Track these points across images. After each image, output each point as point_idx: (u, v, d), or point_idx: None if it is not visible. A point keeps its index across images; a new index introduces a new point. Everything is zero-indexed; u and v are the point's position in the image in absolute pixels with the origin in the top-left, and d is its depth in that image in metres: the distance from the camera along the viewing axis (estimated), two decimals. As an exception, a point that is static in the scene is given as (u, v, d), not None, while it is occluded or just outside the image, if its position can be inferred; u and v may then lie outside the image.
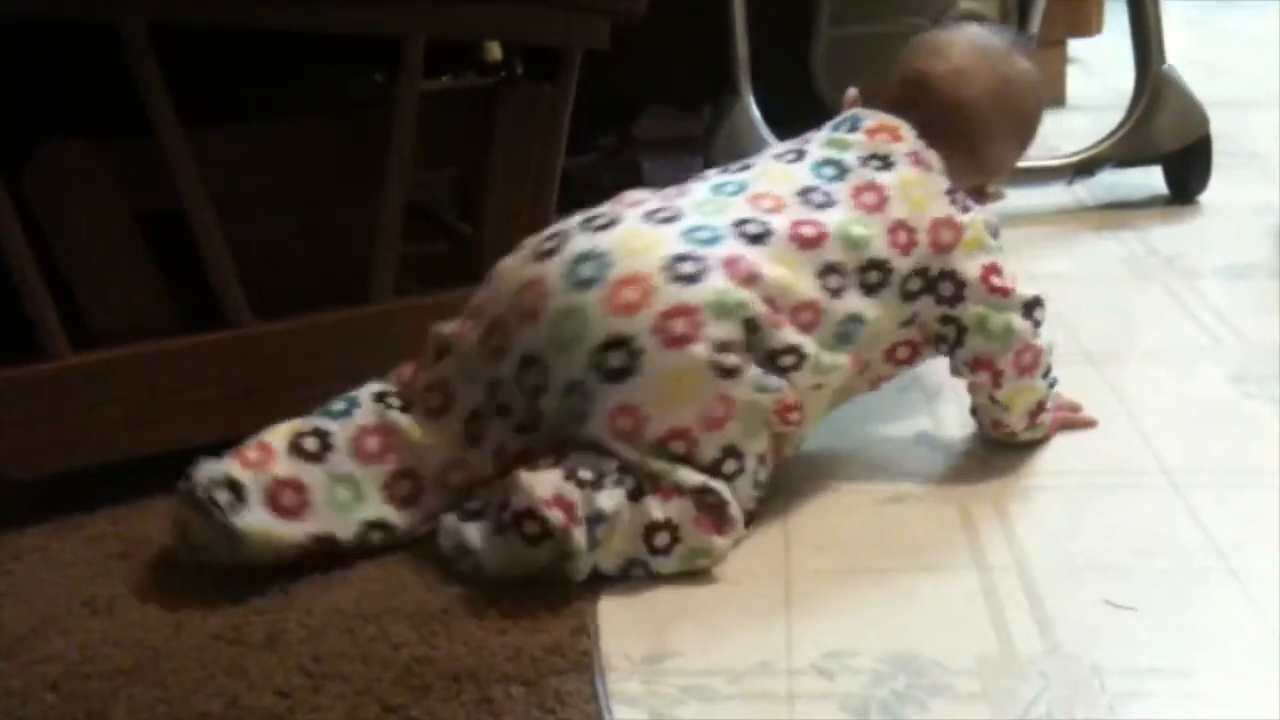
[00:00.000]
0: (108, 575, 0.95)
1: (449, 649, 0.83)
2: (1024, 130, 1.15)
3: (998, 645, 0.83)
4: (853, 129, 1.06)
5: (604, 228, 0.97)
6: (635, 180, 1.75)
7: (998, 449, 1.09)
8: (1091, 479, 1.05)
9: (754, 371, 0.93)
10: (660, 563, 0.91)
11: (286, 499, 0.92)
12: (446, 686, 0.80)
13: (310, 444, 0.94)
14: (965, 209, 1.04)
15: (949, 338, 1.02)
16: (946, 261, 1.01)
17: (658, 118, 2.07)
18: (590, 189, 1.59)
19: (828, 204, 1.00)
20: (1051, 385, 1.06)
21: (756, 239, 0.96)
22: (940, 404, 1.19)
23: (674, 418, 0.91)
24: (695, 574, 0.92)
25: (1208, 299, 1.45)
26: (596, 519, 0.88)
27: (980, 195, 1.10)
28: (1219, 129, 1.82)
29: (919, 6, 2.21)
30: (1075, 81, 2.60)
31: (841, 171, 1.03)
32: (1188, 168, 1.83)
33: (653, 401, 0.91)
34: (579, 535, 0.87)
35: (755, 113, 1.76)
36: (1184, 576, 0.90)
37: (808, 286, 0.96)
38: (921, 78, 1.10)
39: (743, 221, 0.97)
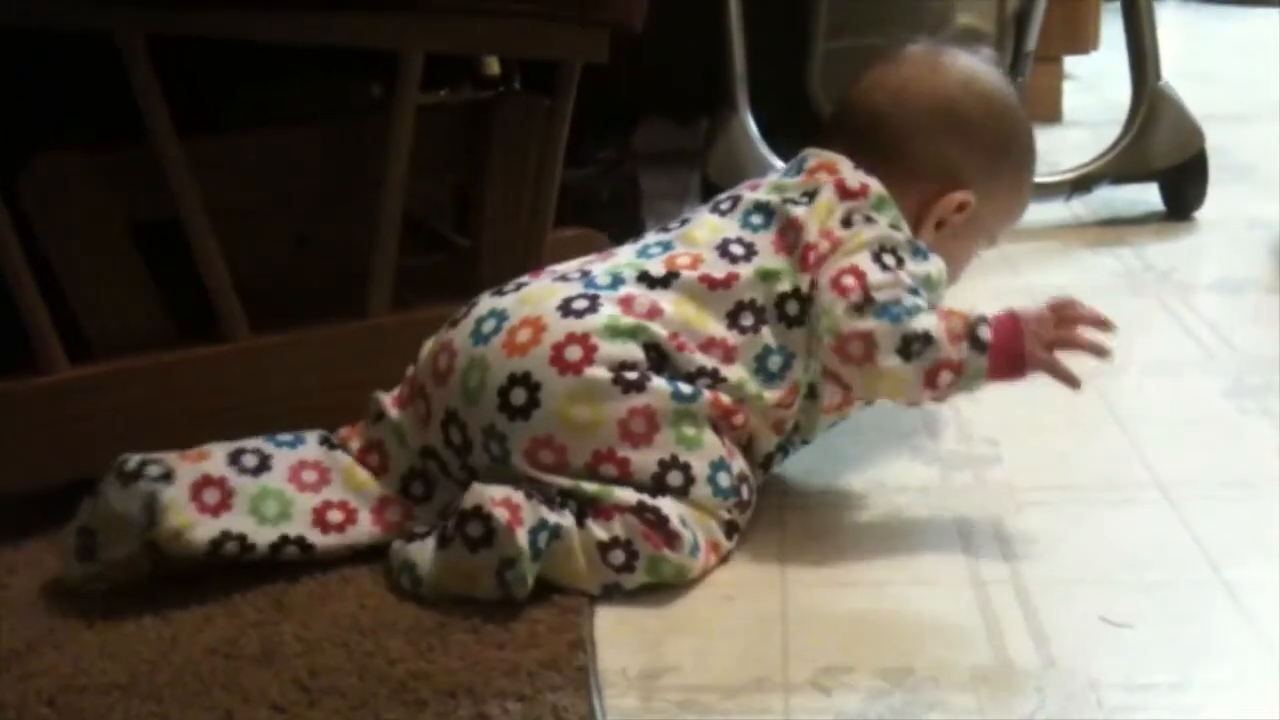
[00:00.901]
0: (103, 589, 0.95)
1: (445, 664, 0.83)
2: (954, 121, 1.04)
3: (993, 660, 0.83)
4: (798, 170, 1.05)
5: (509, 291, 1.00)
6: (633, 192, 1.76)
7: (993, 464, 1.09)
8: (1086, 493, 1.05)
9: (660, 380, 0.93)
10: (628, 579, 0.91)
11: (209, 496, 0.92)
12: (442, 702, 0.79)
13: (249, 460, 0.95)
14: (865, 221, 0.99)
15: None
16: (807, 281, 0.98)
17: (656, 130, 2.08)
18: (588, 201, 1.60)
19: (746, 256, 0.99)
20: (923, 353, 0.92)
21: (658, 283, 0.97)
22: (936, 418, 1.19)
23: (592, 441, 0.92)
24: (690, 586, 0.93)
25: (1202, 313, 1.45)
26: (541, 527, 0.88)
27: (940, 222, 1.04)
28: (1214, 143, 1.83)
29: (914, 21, 2.23)
30: (1072, 98, 2.61)
31: (768, 218, 1.01)
32: (1184, 184, 1.83)
33: (564, 430, 0.92)
34: (521, 536, 0.87)
35: (752, 126, 1.77)
36: (1179, 590, 0.90)
37: (714, 325, 0.96)
38: (839, 101, 1.10)
39: (648, 272, 0.98)
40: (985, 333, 0.94)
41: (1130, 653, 0.83)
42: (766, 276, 0.98)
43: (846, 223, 1.00)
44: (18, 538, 1.02)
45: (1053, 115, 2.58)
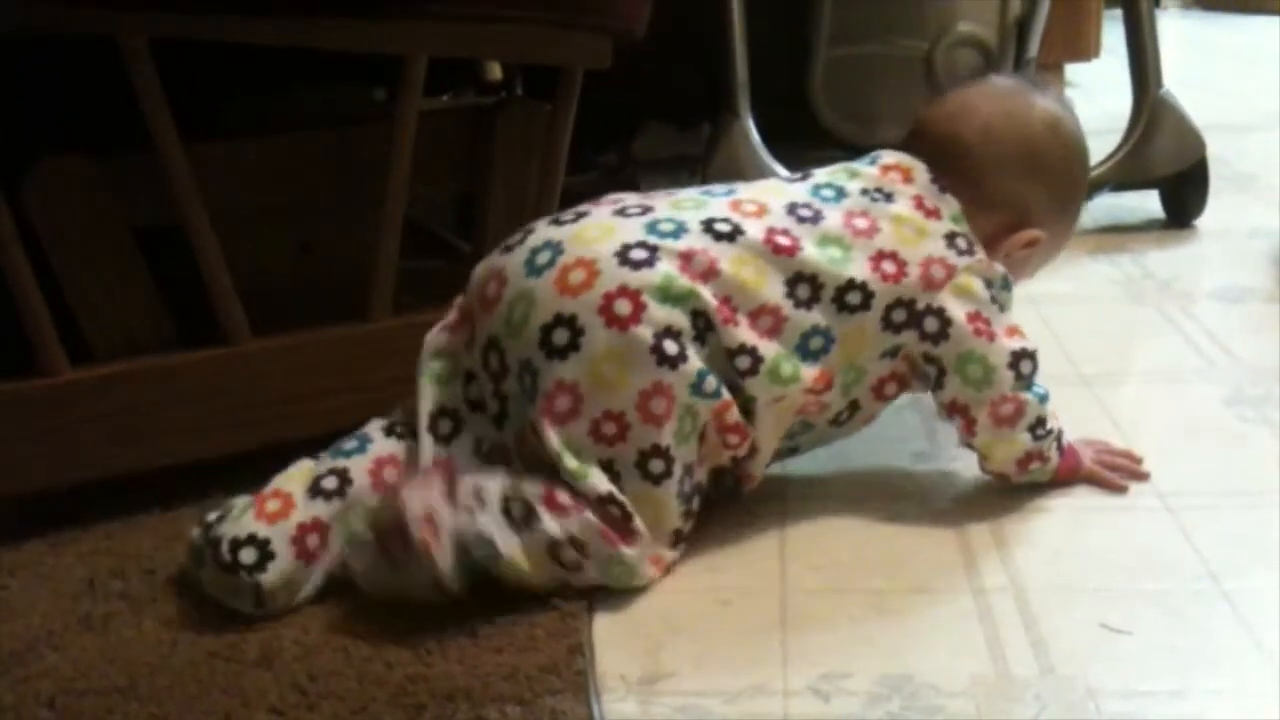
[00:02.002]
0: (103, 591, 0.95)
1: (444, 668, 0.83)
2: (1037, 164, 1.08)
3: (993, 667, 0.83)
4: (871, 163, 1.07)
5: (567, 222, 0.99)
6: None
7: (993, 470, 1.09)
8: (1086, 500, 1.05)
9: (696, 365, 0.93)
10: (578, 577, 0.91)
11: (310, 542, 0.92)
12: (441, 706, 0.79)
13: (329, 483, 0.94)
14: (964, 253, 1.02)
15: (930, 376, 1.02)
16: (934, 298, 1.00)
17: (657, 136, 2.08)
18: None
19: (814, 220, 1.00)
20: (1042, 439, 1.02)
21: (723, 237, 0.97)
22: (937, 425, 1.19)
23: (610, 399, 0.91)
24: (689, 591, 0.93)
25: (1202, 322, 1.45)
26: (475, 542, 0.87)
27: (1007, 254, 1.07)
28: (1215, 152, 1.83)
29: (917, 28, 2.23)
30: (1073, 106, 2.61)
31: (839, 195, 1.03)
32: (1184, 192, 1.84)
33: (590, 380, 0.91)
34: (439, 558, 0.86)
35: (753, 132, 1.77)
36: (1178, 598, 0.90)
37: (771, 292, 0.96)
38: (920, 119, 1.11)
39: (713, 220, 0.98)
40: (1062, 438, 1.05)
41: (1129, 660, 0.83)
42: (829, 258, 0.98)
43: (950, 240, 1.02)
44: (18, 539, 1.02)
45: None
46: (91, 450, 1.03)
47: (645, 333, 0.92)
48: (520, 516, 0.89)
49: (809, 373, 0.98)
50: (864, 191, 1.03)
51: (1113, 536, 0.99)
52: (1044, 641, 0.85)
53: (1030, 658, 0.84)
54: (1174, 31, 3.88)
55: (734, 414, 0.95)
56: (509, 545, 0.88)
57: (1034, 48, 2.34)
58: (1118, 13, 1.90)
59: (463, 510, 0.88)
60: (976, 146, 1.07)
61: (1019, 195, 1.07)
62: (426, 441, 0.97)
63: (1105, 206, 1.90)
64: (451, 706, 0.79)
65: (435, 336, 1.00)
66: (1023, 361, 1.01)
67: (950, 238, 1.02)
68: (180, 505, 1.06)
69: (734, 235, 0.97)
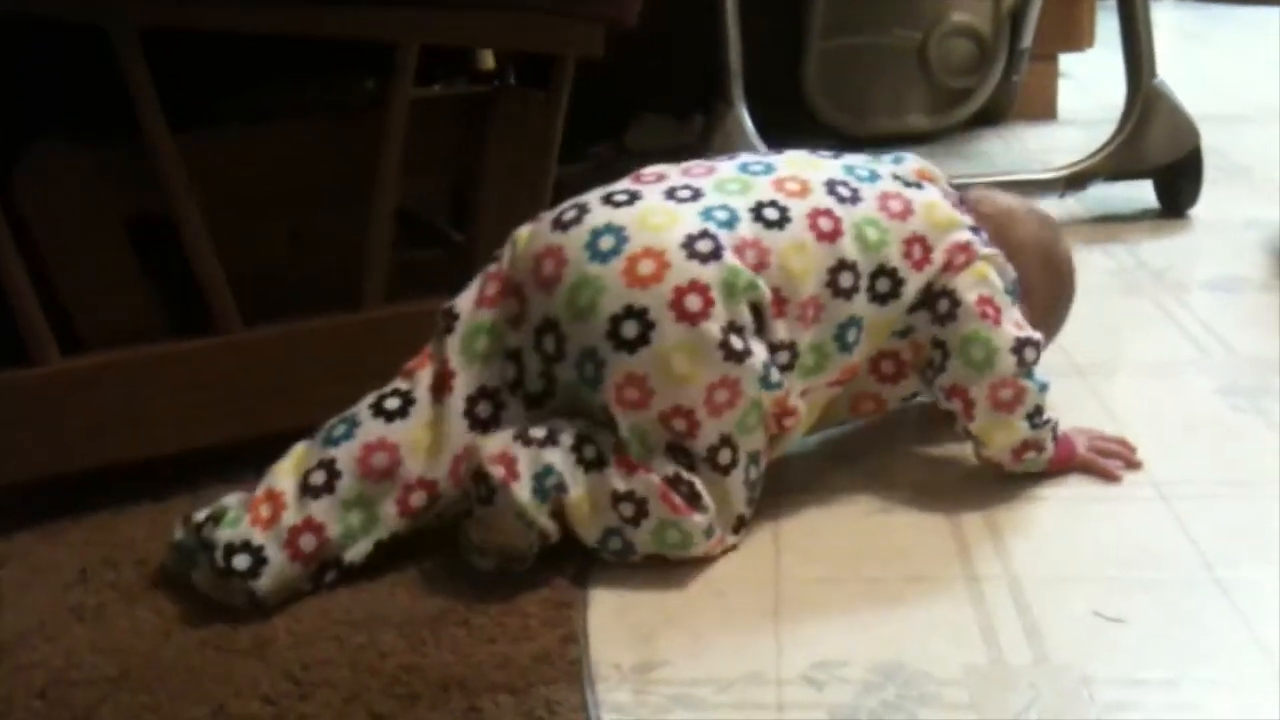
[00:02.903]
0: (94, 582, 0.95)
1: (437, 657, 0.83)
2: (1051, 263, 1.15)
3: (987, 655, 0.83)
4: (896, 162, 1.08)
5: (624, 203, 0.98)
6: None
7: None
8: (1080, 490, 1.05)
9: (761, 359, 0.94)
10: (632, 532, 0.92)
11: (305, 543, 0.91)
12: (435, 695, 0.79)
13: (317, 478, 0.94)
14: (987, 244, 1.04)
15: (934, 361, 1.02)
16: (950, 280, 1.01)
17: (651, 127, 2.07)
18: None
19: (853, 199, 1.01)
20: (1039, 427, 1.02)
21: (773, 224, 0.97)
22: (930, 416, 1.18)
23: (679, 394, 0.92)
24: (683, 580, 0.93)
25: (1196, 312, 1.45)
26: (545, 473, 0.89)
27: None
28: (1209, 143, 1.83)
29: (910, 19, 2.23)
30: (1066, 96, 2.61)
31: (873, 176, 1.04)
32: (1178, 182, 1.84)
33: (660, 374, 0.91)
34: (520, 490, 0.88)
35: (748, 122, 1.76)
36: (1172, 588, 0.90)
37: (815, 282, 0.97)
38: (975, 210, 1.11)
39: (761, 205, 0.98)
40: (1057, 428, 1.05)
41: (1123, 649, 0.83)
42: (867, 244, 0.99)
43: (975, 232, 1.04)
44: (8, 530, 1.02)
45: (1048, 113, 2.58)
46: (83, 440, 1.03)
47: (714, 328, 0.92)
48: (592, 459, 0.91)
49: (840, 362, 0.99)
50: (895, 177, 1.05)
51: (1107, 526, 0.99)
52: (1038, 630, 0.85)
53: (1024, 646, 0.84)
54: (1168, 22, 3.87)
55: (793, 398, 0.97)
56: (576, 482, 0.90)
57: (1028, 38, 2.34)
58: (1111, 3, 1.90)
59: (535, 445, 0.90)
60: (1030, 261, 1.10)
61: (1026, 274, 1.08)
62: (459, 426, 0.95)
63: (1099, 197, 1.90)
64: (445, 696, 0.79)
65: (473, 311, 0.98)
66: (1026, 349, 1.01)
67: (975, 230, 1.04)
68: (171, 495, 1.06)
69: (782, 222, 0.97)
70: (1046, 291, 1.11)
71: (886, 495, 1.05)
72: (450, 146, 1.21)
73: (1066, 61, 2.65)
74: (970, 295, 1.01)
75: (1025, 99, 2.52)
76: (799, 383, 0.97)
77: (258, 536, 0.90)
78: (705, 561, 0.95)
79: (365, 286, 1.11)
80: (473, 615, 0.87)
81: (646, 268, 0.93)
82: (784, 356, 0.96)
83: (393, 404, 0.97)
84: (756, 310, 0.94)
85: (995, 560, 0.94)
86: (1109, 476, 1.06)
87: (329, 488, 0.93)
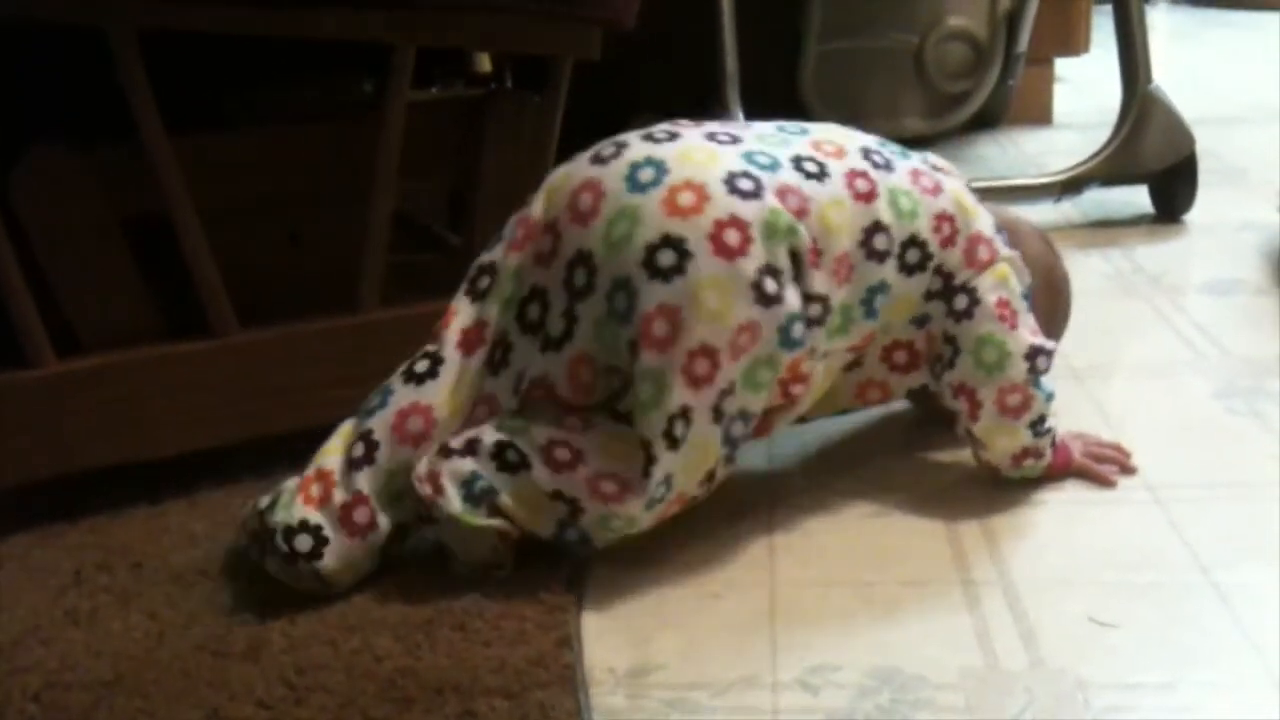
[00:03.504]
0: (89, 585, 0.94)
1: (432, 661, 0.83)
2: (1053, 282, 1.15)
3: (982, 659, 0.83)
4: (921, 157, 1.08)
5: (664, 140, 0.97)
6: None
7: (983, 464, 1.09)
8: (1075, 494, 1.05)
9: (792, 309, 0.92)
10: (579, 524, 0.91)
11: (359, 516, 0.92)
12: (429, 699, 0.79)
13: (358, 450, 0.94)
14: (1008, 245, 1.04)
15: (944, 357, 1.02)
16: (972, 277, 1.01)
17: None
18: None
19: (886, 167, 1.01)
20: (1041, 436, 1.02)
21: (813, 176, 0.96)
22: (926, 419, 1.19)
23: (708, 331, 0.89)
24: (679, 583, 0.93)
25: (1192, 315, 1.46)
26: (471, 480, 0.90)
27: None
28: (1204, 146, 1.83)
29: (907, 23, 2.23)
30: (1062, 100, 2.61)
31: (903, 153, 1.04)
32: (1174, 186, 1.84)
33: (693, 307, 0.89)
34: (447, 503, 0.89)
35: (744, 126, 1.76)
36: (1168, 591, 0.90)
37: (850, 240, 0.96)
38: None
39: (801, 159, 0.97)
40: (1056, 436, 1.05)
41: (1118, 653, 0.83)
42: (900, 212, 0.98)
43: (998, 230, 1.04)
44: (3, 532, 1.02)
45: (1043, 117, 2.58)
46: (78, 442, 1.02)
47: (749, 267, 0.90)
48: (515, 461, 0.90)
49: (862, 329, 0.98)
50: (923, 159, 1.05)
51: (1102, 529, 0.99)
52: (1033, 634, 0.85)
53: (1020, 650, 0.84)
54: (1162, 25, 3.88)
55: (808, 364, 0.95)
56: (502, 485, 0.90)
57: (1024, 42, 2.34)
58: (1107, 7, 1.90)
59: (455, 456, 0.90)
60: (1020, 236, 1.11)
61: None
62: (479, 368, 0.95)
63: (1095, 201, 1.90)
64: (440, 700, 0.79)
65: (504, 258, 0.97)
66: (1039, 357, 1.01)
67: (998, 228, 1.04)
68: (167, 498, 1.06)
69: (822, 176, 0.97)
70: (1046, 310, 1.11)
71: (882, 499, 1.05)
72: (447, 149, 1.21)
73: (1062, 66, 2.66)
74: (991, 296, 1.00)
75: (1021, 103, 2.53)
76: (823, 342, 0.96)
77: (314, 516, 0.91)
78: (700, 565, 0.95)
79: (362, 289, 1.11)
80: (468, 619, 0.87)
81: (687, 199, 0.91)
82: (816, 310, 0.94)
83: (422, 366, 0.96)
84: (795, 257, 0.93)
85: (991, 564, 0.94)
86: (1104, 482, 1.06)
87: (369, 459, 0.93)
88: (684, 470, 0.92)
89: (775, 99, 1.94)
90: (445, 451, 0.91)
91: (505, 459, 0.91)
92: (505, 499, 0.90)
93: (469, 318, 0.97)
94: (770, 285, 0.91)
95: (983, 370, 1.00)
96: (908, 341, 1.03)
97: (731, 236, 0.90)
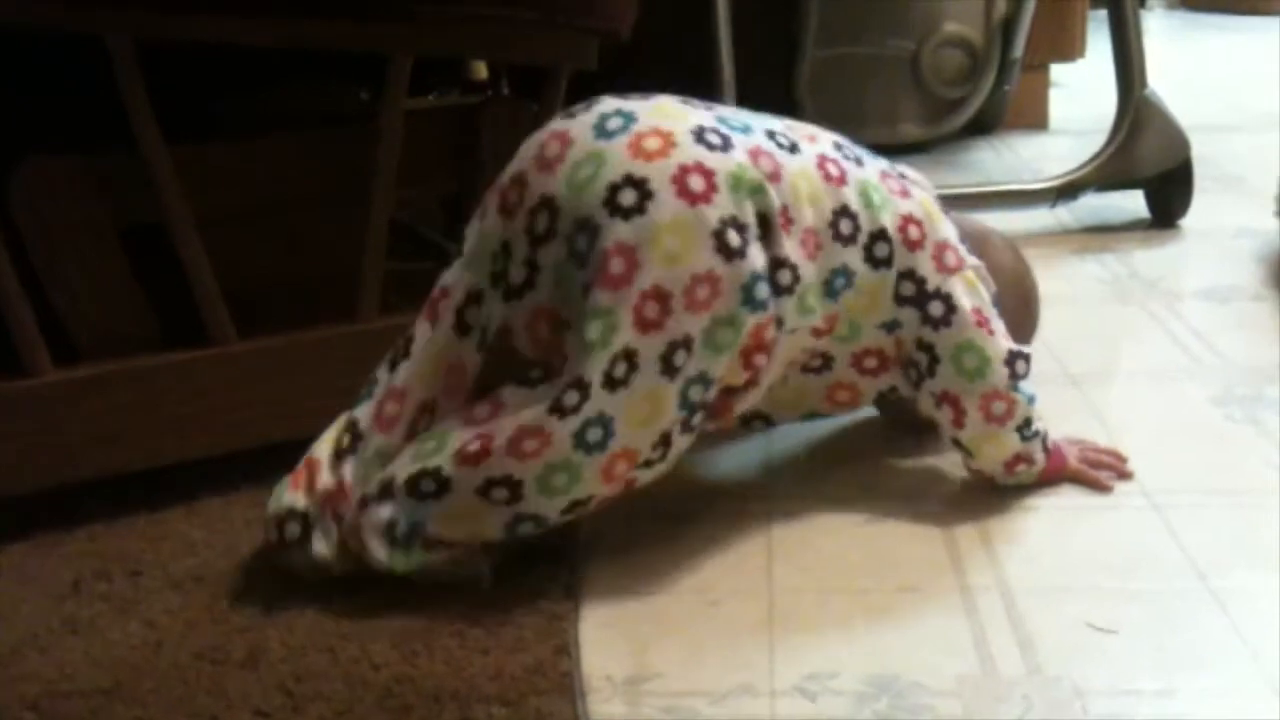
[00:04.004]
0: (87, 593, 0.94)
1: (430, 669, 0.83)
2: (1022, 289, 1.15)
3: (979, 666, 0.83)
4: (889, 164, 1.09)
5: (637, 99, 0.97)
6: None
7: (980, 470, 1.09)
8: (1072, 499, 1.05)
9: (755, 267, 0.91)
10: (524, 505, 0.90)
11: (341, 506, 0.93)
12: (427, 707, 0.79)
13: (346, 440, 0.95)
14: (972, 254, 1.04)
15: (920, 365, 1.02)
16: (945, 283, 1.01)
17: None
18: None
19: (857, 161, 1.01)
20: (1029, 439, 1.03)
21: (784, 147, 0.97)
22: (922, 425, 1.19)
23: (663, 274, 0.88)
24: (676, 590, 0.93)
25: (1189, 321, 1.46)
26: (390, 526, 0.90)
27: None
28: (1199, 152, 1.84)
29: (903, 29, 2.24)
30: (1058, 105, 2.62)
31: (874, 155, 1.05)
32: (1169, 192, 1.84)
33: (650, 247, 0.88)
34: (369, 555, 0.90)
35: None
36: (1164, 597, 0.90)
37: (819, 217, 0.96)
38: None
39: (774, 132, 0.98)
40: (1049, 442, 1.05)
41: (1116, 659, 0.83)
42: (868, 202, 0.99)
43: (961, 239, 1.04)
44: (2, 541, 1.02)
45: (1039, 123, 2.59)
46: (76, 451, 1.03)
47: (712, 215, 0.90)
48: (432, 490, 0.90)
49: (825, 310, 0.98)
50: (891, 165, 1.06)
51: (1099, 535, 0.99)
52: (1031, 641, 0.85)
53: (1017, 657, 0.84)
54: (1158, 30, 3.89)
55: (772, 331, 0.94)
56: (425, 517, 0.90)
57: (1020, 47, 2.35)
58: (1103, 13, 1.91)
59: (372, 506, 0.91)
60: (990, 246, 1.11)
61: (997, 300, 1.07)
62: (449, 338, 0.95)
63: (1091, 207, 1.90)
64: (438, 707, 0.79)
65: (479, 222, 0.97)
66: (1018, 362, 1.01)
67: (961, 239, 1.04)
68: (165, 507, 1.06)
69: (793, 149, 0.97)
70: (1015, 319, 1.10)
71: (879, 506, 1.05)
72: (443, 157, 1.21)
73: (1058, 71, 2.66)
74: (966, 302, 1.01)
75: (1017, 109, 2.53)
76: (791, 314, 0.95)
77: (301, 502, 0.92)
78: (698, 573, 0.95)
79: (360, 298, 1.11)
80: (466, 626, 0.87)
81: (653, 144, 0.91)
82: (786, 277, 0.93)
83: (399, 349, 0.97)
84: (764, 219, 0.92)
85: (988, 571, 0.94)
86: (1100, 487, 1.06)
87: (353, 449, 0.94)
88: (628, 418, 0.89)
89: (771, 105, 1.94)
90: (363, 503, 0.91)
91: (421, 490, 0.90)
92: (435, 526, 0.90)
93: (436, 288, 0.97)
94: (734, 238, 0.90)
95: (964, 377, 1.00)
96: (878, 349, 1.03)
97: (696, 182, 0.90)
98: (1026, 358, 1.02)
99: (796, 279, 0.94)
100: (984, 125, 2.47)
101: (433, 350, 0.95)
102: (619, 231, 0.89)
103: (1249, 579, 0.92)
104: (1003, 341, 1.01)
